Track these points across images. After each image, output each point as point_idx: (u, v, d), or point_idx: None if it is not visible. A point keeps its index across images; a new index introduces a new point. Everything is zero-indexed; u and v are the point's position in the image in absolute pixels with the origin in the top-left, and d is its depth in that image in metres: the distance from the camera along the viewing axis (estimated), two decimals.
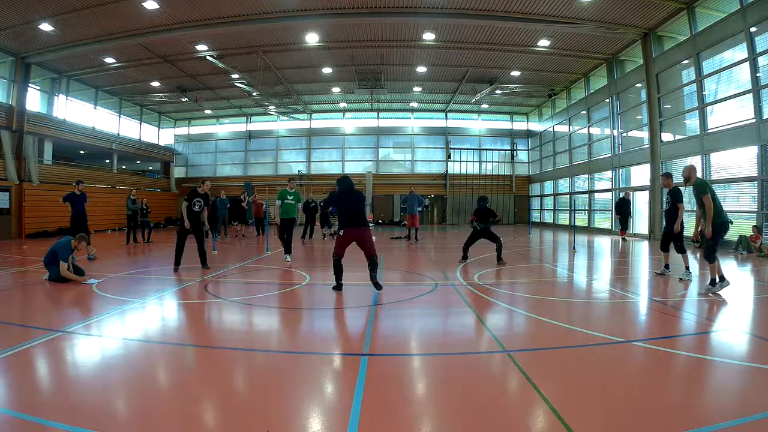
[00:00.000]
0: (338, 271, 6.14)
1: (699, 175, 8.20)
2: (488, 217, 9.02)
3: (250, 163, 28.06)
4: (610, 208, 18.77)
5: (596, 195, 20.54)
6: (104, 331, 4.36)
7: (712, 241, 5.72)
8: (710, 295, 5.71)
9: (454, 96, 23.80)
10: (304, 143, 27.93)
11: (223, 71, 18.74)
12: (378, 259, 6.13)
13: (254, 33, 15.51)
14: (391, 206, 27.02)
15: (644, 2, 12.97)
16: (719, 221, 5.78)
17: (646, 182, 15.74)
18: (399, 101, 25.63)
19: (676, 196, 7.16)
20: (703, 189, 5.82)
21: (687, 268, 6.95)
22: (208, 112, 26.74)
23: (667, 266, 7.35)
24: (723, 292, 5.80)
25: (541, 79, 21.15)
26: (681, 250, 7.17)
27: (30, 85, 17.33)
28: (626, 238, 13.94)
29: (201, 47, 16.69)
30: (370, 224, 23.28)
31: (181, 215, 8.10)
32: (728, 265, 9.15)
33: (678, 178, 7.20)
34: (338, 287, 6.15)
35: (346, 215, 6.12)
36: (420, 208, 14.50)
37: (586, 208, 20.98)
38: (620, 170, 18.10)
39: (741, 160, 12.04)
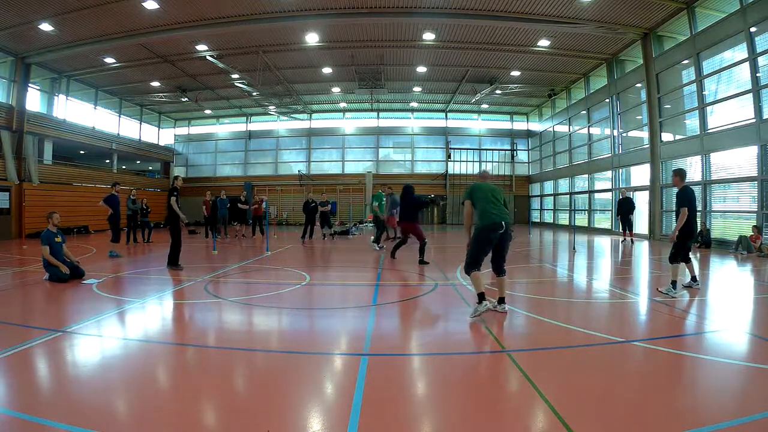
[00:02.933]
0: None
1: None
2: None
3: (250, 163, 28.06)
4: (610, 208, 18.77)
5: (596, 195, 20.54)
6: (104, 331, 4.36)
7: (471, 249, 4.80)
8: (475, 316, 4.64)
9: (454, 96, 23.80)
10: (304, 143, 27.93)
11: (223, 71, 18.75)
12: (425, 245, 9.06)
13: (254, 33, 15.51)
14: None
15: (644, 2, 12.97)
16: (480, 225, 4.78)
17: (646, 182, 15.75)
18: (399, 101, 25.63)
19: (678, 197, 6.03)
20: (464, 195, 5.08)
21: (673, 283, 5.84)
22: (208, 112, 26.74)
23: (694, 279, 6.20)
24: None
25: (541, 79, 21.15)
26: (672, 259, 6.04)
27: (30, 85, 17.32)
28: (625, 238, 13.92)
29: (201, 47, 16.69)
30: (369, 224, 23.27)
31: (173, 211, 8.09)
32: (728, 265, 9.18)
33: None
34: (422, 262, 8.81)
35: None
36: (394, 210, 13.96)
37: (586, 208, 20.99)
38: (620, 170, 18.10)
39: (741, 160, 12.03)
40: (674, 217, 6.29)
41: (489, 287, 5.58)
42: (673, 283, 5.80)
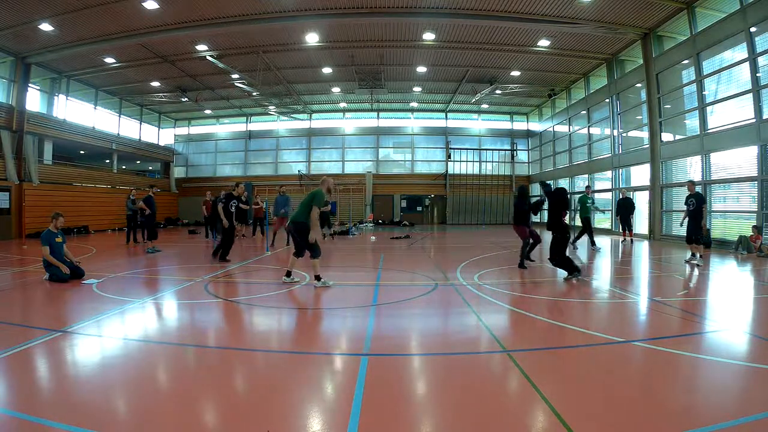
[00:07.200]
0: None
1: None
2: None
3: (250, 163, 28.06)
4: (610, 208, 18.76)
5: (596, 195, 20.51)
6: (104, 331, 4.36)
7: None
8: None
9: (454, 96, 23.79)
10: (304, 143, 27.92)
11: (223, 71, 18.74)
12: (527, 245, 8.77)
13: (254, 33, 15.50)
14: (391, 206, 27.02)
15: (644, 2, 12.97)
16: None
17: (646, 182, 15.74)
18: (399, 101, 25.62)
19: (700, 198, 9.04)
20: None
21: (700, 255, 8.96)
22: (208, 112, 26.73)
23: (694, 255, 9.07)
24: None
25: (541, 79, 21.14)
26: (699, 242, 9.09)
27: (30, 85, 17.32)
28: (625, 238, 13.92)
29: (201, 47, 16.68)
30: (369, 224, 23.18)
31: (219, 216, 9.26)
32: (728, 265, 9.17)
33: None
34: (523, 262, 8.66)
35: None
36: (284, 210, 13.10)
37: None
38: (620, 170, 18.10)
39: (741, 160, 12.03)
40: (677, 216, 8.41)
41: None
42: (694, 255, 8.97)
